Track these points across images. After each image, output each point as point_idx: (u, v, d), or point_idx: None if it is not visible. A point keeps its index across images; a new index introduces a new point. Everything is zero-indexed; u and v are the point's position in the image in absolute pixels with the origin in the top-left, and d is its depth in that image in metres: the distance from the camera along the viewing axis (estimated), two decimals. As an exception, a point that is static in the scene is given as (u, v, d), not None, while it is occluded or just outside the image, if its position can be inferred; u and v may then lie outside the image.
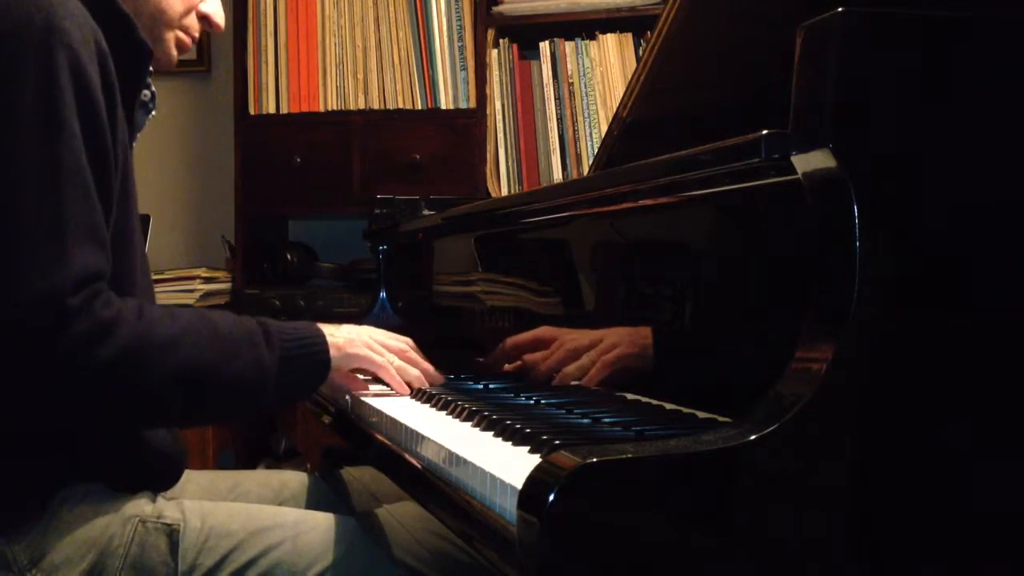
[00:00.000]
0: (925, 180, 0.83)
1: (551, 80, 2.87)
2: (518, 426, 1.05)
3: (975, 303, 0.83)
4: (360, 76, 2.99)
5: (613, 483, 0.75)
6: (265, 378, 1.19)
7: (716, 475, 0.76)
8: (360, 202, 2.89)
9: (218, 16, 1.39)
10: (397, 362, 1.40)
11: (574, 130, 2.86)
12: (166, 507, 1.24)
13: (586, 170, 2.66)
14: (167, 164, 3.47)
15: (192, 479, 1.45)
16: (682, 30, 1.48)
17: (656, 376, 1.18)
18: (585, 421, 1.13)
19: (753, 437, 0.77)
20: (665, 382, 1.16)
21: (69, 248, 1.06)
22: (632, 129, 1.60)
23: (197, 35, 1.38)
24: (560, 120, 2.87)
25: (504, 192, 2.88)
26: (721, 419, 1.02)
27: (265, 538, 1.23)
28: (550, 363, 1.36)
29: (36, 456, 1.18)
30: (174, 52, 1.35)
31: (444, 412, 1.27)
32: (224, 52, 3.27)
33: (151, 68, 1.29)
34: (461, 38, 2.93)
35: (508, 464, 0.91)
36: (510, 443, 1.04)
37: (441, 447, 1.03)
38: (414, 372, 1.42)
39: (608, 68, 2.84)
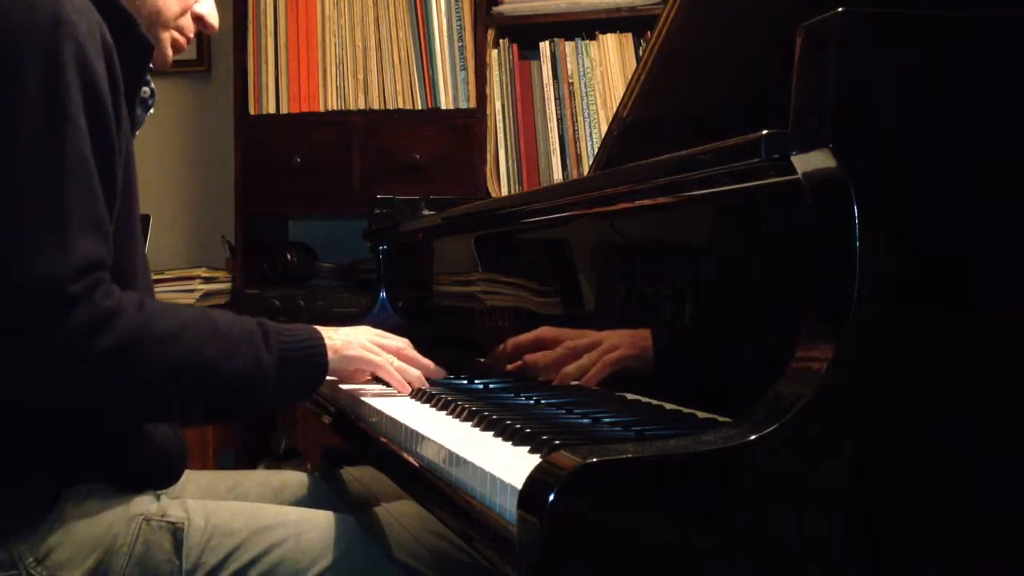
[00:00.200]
0: (925, 180, 0.83)
1: (551, 80, 2.87)
2: (518, 426, 1.05)
3: (975, 303, 0.83)
4: (360, 76, 2.99)
5: (613, 483, 0.75)
6: (263, 377, 1.20)
7: (716, 475, 0.76)
8: (360, 202, 2.89)
9: (212, 17, 1.40)
10: (397, 362, 1.41)
11: (574, 130, 2.85)
12: (170, 506, 1.25)
13: (586, 170, 2.66)
14: (167, 164, 3.47)
15: (192, 479, 1.45)
16: (682, 30, 1.48)
17: (656, 376, 1.18)
18: (585, 421, 1.13)
19: (753, 437, 0.77)
20: (665, 382, 1.16)
21: (71, 237, 1.07)
22: (632, 129, 1.60)
23: (192, 35, 1.39)
24: (560, 120, 2.87)
25: (504, 192, 2.88)
26: (721, 419, 1.02)
27: (268, 536, 1.23)
28: (550, 363, 1.36)
29: (42, 455, 1.18)
30: (169, 52, 1.37)
31: (444, 412, 1.27)
32: (224, 52, 3.26)
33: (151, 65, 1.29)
34: (461, 38, 2.93)
35: (508, 464, 0.91)
36: (510, 443, 1.04)
37: (441, 447, 1.03)
38: (414, 371, 1.42)
39: (608, 68, 2.84)
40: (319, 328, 1.32)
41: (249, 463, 3.02)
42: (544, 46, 2.88)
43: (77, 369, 1.07)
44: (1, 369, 1.07)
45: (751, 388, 0.83)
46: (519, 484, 0.78)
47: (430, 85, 2.94)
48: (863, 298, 0.79)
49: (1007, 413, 0.83)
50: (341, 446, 1.71)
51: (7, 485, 1.16)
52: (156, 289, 1.46)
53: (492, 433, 1.09)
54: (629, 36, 2.83)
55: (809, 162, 0.84)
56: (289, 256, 3.14)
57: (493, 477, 0.88)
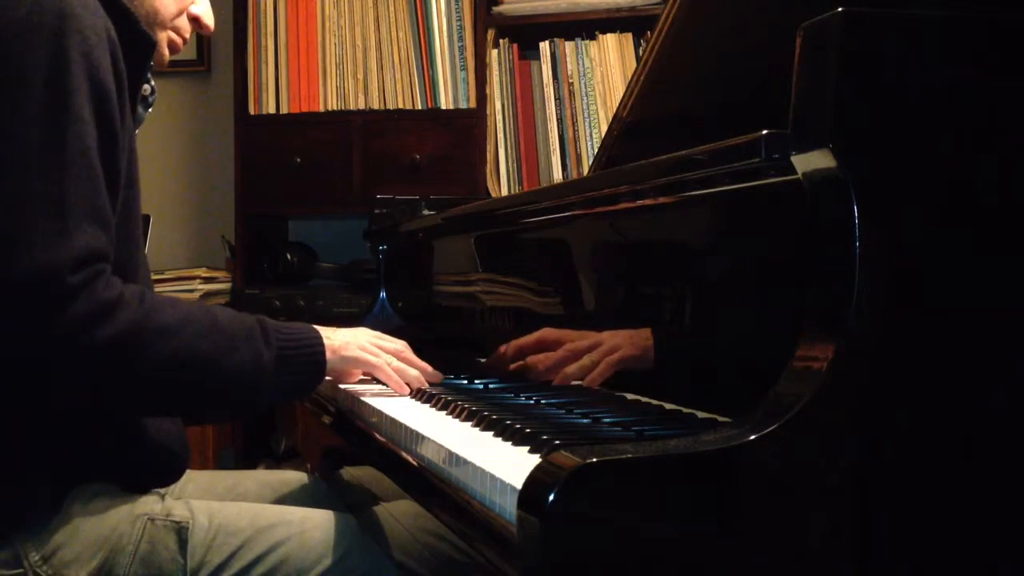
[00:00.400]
0: (925, 180, 0.83)
1: (551, 80, 2.87)
2: (518, 426, 1.05)
3: (975, 303, 0.83)
4: (360, 76, 2.99)
5: (613, 483, 0.75)
6: (262, 374, 1.20)
7: (716, 475, 0.76)
8: (360, 202, 2.89)
9: (208, 18, 1.42)
10: (395, 363, 1.41)
11: (574, 130, 2.85)
12: (174, 506, 1.25)
13: (586, 170, 2.66)
14: (167, 164, 3.47)
15: (192, 479, 1.45)
16: (682, 30, 1.48)
17: (656, 376, 1.18)
18: (585, 421, 1.13)
19: (753, 437, 0.77)
20: (665, 382, 1.16)
21: (71, 227, 1.07)
22: (632, 129, 1.60)
23: (188, 36, 1.41)
24: (560, 120, 2.87)
25: (504, 192, 2.88)
26: (721, 419, 1.02)
27: (272, 535, 1.24)
28: (552, 364, 1.36)
29: (45, 454, 1.19)
30: (166, 52, 1.38)
31: (444, 412, 1.27)
32: (224, 52, 3.26)
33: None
34: (461, 38, 2.93)
35: (508, 464, 0.91)
36: (510, 443, 1.04)
37: (441, 447, 1.03)
38: (412, 372, 1.42)
39: (608, 68, 2.84)
40: (318, 328, 1.32)
41: (249, 463, 3.02)
42: (544, 46, 2.88)
43: (77, 360, 1.08)
44: (1, 359, 1.07)
45: (751, 388, 0.83)
46: (519, 484, 0.78)
47: (430, 85, 2.94)
48: (863, 298, 0.79)
49: (1007, 413, 0.83)
50: (341, 446, 1.71)
51: (12, 484, 1.17)
52: (156, 289, 1.47)
53: (492, 433, 1.09)
54: (629, 36, 2.83)
55: (809, 162, 0.84)
56: (289, 256, 3.14)
57: (493, 477, 0.88)
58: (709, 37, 1.47)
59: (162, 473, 1.32)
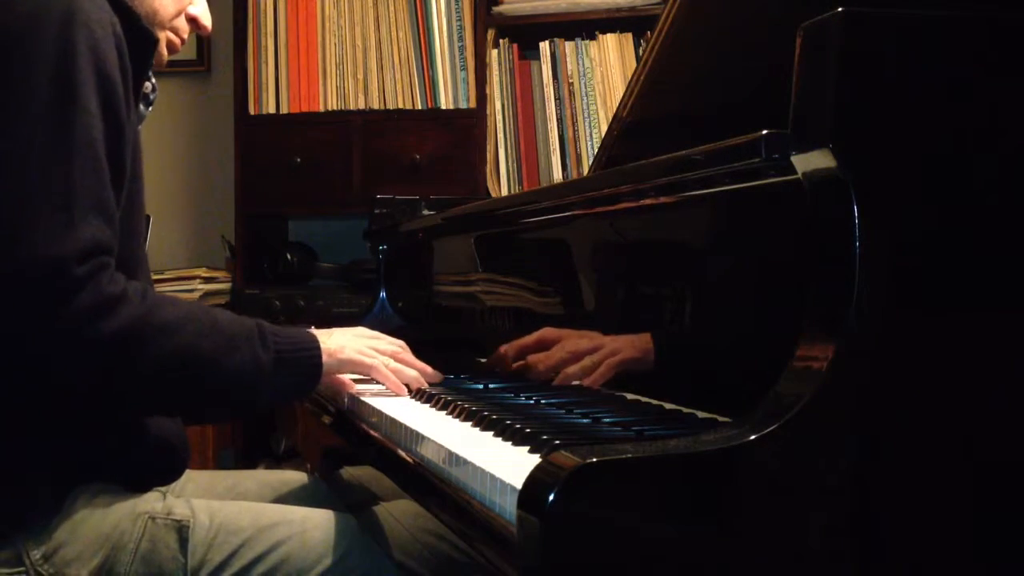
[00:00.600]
0: (925, 180, 0.83)
1: (551, 80, 2.87)
2: (518, 426, 1.05)
3: (975, 303, 0.83)
4: (360, 76, 2.99)
5: (613, 483, 0.75)
6: (260, 376, 1.21)
7: (716, 475, 0.76)
8: (360, 202, 2.89)
9: (205, 18, 1.42)
10: (392, 364, 1.41)
11: (574, 130, 2.85)
12: (175, 504, 1.25)
13: (586, 170, 2.66)
14: (167, 164, 3.47)
15: (192, 479, 1.45)
16: (682, 30, 1.48)
17: (656, 376, 1.18)
18: (585, 421, 1.13)
19: (753, 437, 0.77)
20: (665, 382, 1.16)
21: (77, 219, 1.08)
22: (632, 129, 1.60)
23: (186, 36, 1.42)
24: (560, 120, 2.87)
25: (504, 192, 2.88)
26: (721, 419, 1.02)
27: (273, 534, 1.24)
28: (551, 364, 1.36)
29: (47, 452, 1.19)
30: (164, 52, 1.39)
31: (444, 412, 1.27)
32: (224, 52, 3.26)
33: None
34: (461, 38, 2.93)
35: (508, 464, 0.91)
36: (510, 443, 1.04)
37: (441, 447, 1.03)
38: (411, 372, 1.42)
39: (608, 68, 2.84)
40: (314, 331, 1.33)
41: (249, 463, 3.02)
42: (544, 46, 2.88)
43: (80, 353, 1.08)
44: (3, 349, 1.07)
45: (751, 388, 0.83)
46: (519, 484, 0.78)
47: (430, 85, 2.94)
48: (862, 298, 0.79)
49: (1007, 413, 0.83)
50: (341, 446, 1.71)
51: (14, 484, 1.17)
52: (156, 289, 1.47)
53: (492, 433, 1.09)
54: (629, 36, 2.83)
55: (809, 162, 0.84)
56: (289, 256, 3.14)
57: (493, 477, 0.88)
58: (709, 37, 1.47)
59: (163, 471, 1.32)
